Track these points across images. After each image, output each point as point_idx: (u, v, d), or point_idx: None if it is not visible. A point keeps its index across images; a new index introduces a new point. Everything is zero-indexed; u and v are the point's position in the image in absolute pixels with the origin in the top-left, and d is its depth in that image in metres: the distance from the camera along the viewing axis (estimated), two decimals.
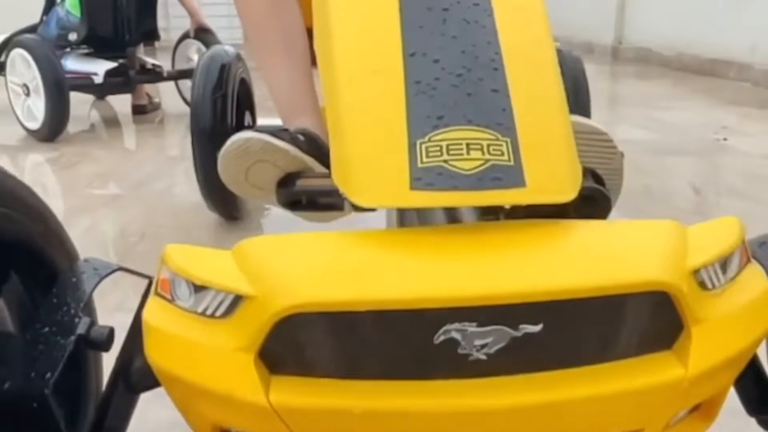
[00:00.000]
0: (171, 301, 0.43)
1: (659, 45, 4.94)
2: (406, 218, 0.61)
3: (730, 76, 3.99)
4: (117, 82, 2.56)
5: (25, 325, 0.56)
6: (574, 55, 1.46)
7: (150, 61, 2.73)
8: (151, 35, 2.69)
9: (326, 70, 0.51)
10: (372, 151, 0.43)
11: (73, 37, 2.46)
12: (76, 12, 2.48)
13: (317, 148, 1.02)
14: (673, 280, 0.39)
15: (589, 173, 0.64)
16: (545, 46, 0.50)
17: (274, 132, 0.99)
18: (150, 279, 0.64)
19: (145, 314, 0.44)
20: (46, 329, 0.53)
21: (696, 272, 0.41)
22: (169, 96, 3.10)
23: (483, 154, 0.42)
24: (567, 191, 0.42)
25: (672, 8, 4.82)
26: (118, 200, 1.72)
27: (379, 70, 0.47)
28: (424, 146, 0.42)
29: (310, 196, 0.93)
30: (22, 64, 2.33)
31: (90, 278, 0.59)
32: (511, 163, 0.42)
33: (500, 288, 0.36)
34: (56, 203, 1.71)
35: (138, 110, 2.96)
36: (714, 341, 0.41)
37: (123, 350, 0.56)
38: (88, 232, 1.49)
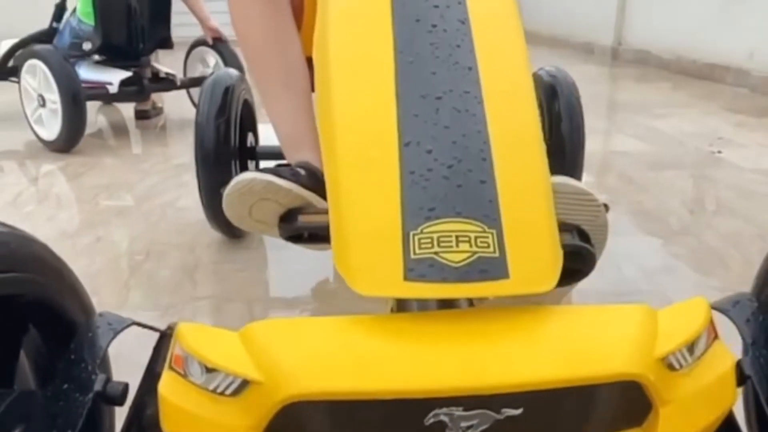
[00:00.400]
0: (184, 376, 0.47)
1: (658, 48, 4.97)
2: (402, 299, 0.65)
3: (728, 81, 4.02)
4: (131, 91, 2.58)
5: (45, 381, 0.59)
6: (569, 80, 1.49)
7: (164, 69, 2.74)
8: (164, 43, 2.71)
9: (328, 152, 0.54)
10: (369, 241, 0.47)
11: (87, 46, 2.47)
12: (90, 21, 2.49)
13: (318, 183, 1.05)
14: (642, 371, 0.42)
15: (576, 231, 0.68)
16: (532, 132, 0.53)
17: (277, 171, 1.03)
18: (161, 333, 0.68)
19: (161, 388, 0.48)
20: (66, 386, 0.57)
21: (664, 357, 0.45)
22: (170, 100, 3.13)
23: (470, 246, 0.46)
24: (547, 282, 0.46)
25: (671, 12, 4.84)
26: (123, 215, 1.76)
27: (376, 158, 0.51)
28: (417, 238, 0.46)
29: (312, 231, 0.97)
30: (38, 75, 2.34)
31: (105, 333, 0.63)
32: (497, 255, 0.46)
33: (484, 381, 0.40)
34: (63, 216, 1.75)
35: (141, 115, 3.00)
36: (681, 419, 0.45)
37: (135, 403, 0.60)
38: (95, 250, 1.53)
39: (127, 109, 3.10)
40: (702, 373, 0.47)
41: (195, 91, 2.96)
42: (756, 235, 1.60)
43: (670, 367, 0.46)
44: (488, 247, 0.46)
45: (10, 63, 2.95)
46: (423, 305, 0.50)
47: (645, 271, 1.39)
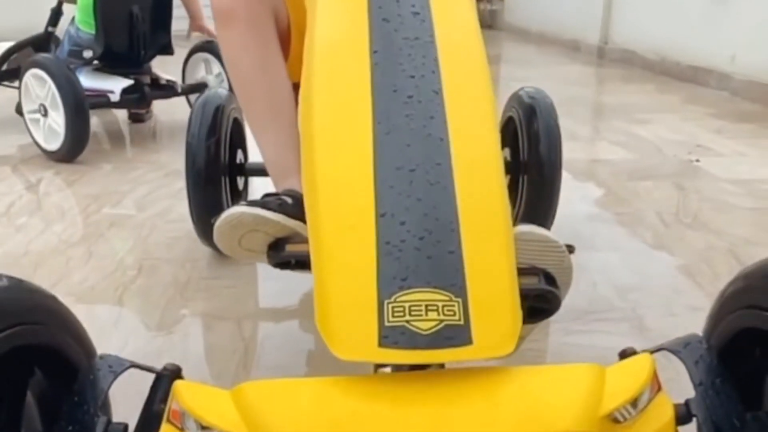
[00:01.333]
0: (181, 430, 0.52)
1: (643, 48, 5.03)
2: None
3: (710, 84, 4.10)
4: (132, 99, 2.58)
5: (51, 423, 0.64)
6: (548, 101, 1.55)
7: (164, 76, 2.76)
8: (165, 49, 2.71)
9: (312, 217, 0.59)
10: (348, 309, 0.52)
11: (88, 54, 2.47)
12: (89, 29, 2.50)
13: (303, 211, 1.10)
14: (588, 428, 0.48)
15: (542, 274, 0.73)
16: (498, 201, 0.59)
17: (264, 203, 1.08)
18: (157, 373, 0.73)
19: None
20: (70, 428, 0.62)
21: (610, 413, 0.51)
22: (162, 104, 3.15)
23: (438, 314, 0.51)
24: (506, 347, 0.52)
25: (656, 14, 4.90)
26: (115, 226, 1.80)
27: (355, 227, 0.56)
28: (390, 306, 0.51)
29: (298, 259, 1.03)
30: (38, 85, 2.34)
31: (105, 375, 0.68)
32: (461, 322, 0.51)
33: None
34: (56, 229, 1.79)
35: (136, 118, 3.03)
36: None
37: None
38: (88, 265, 1.57)
39: (120, 111, 3.12)
40: (644, 425, 0.53)
41: (193, 97, 3.01)
42: (727, 250, 1.66)
43: (615, 420, 0.52)
44: (454, 315, 0.51)
45: (4, 67, 2.96)
46: (397, 366, 0.56)
47: (619, 289, 1.45)
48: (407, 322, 0.51)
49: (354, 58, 0.67)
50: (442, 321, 0.51)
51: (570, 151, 2.58)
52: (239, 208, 1.06)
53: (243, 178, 1.63)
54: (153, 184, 2.18)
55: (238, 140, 1.59)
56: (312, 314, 0.91)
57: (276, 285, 1.47)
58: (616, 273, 1.53)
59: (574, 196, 2.05)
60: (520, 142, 1.55)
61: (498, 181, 0.60)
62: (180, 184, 2.15)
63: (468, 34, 0.72)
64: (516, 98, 1.61)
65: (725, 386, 0.65)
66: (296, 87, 1.26)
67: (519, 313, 0.55)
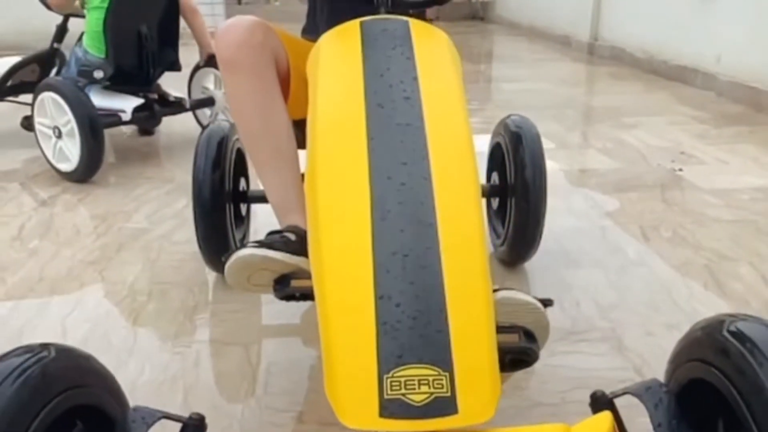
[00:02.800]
0: None
1: (632, 46, 5.11)
2: None
3: (696, 84, 4.19)
4: (143, 117, 2.65)
5: None
6: (533, 131, 1.63)
7: (173, 93, 2.82)
8: (172, 66, 2.77)
9: (320, 300, 0.69)
10: (353, 383, 0.62)
11: (99, 74, 2.52)
12: (98, 53, 2.56)
13: (306, 246, 1.19)
14: None
15: (522, 332, 0.83)
16: (481, 280, 0.68)
17: (270, 243, 1.17)
18: (184, 422, 0.82)
19: None
20: None
21: None
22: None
23: (429, 388, 0.60)
24: (487, 413, 0.61)
25: (644, 13, 4.97)
26: (123, 249, 1.88)
27: (357, 308, 0.65)
28: (389, 380, 0.61)
29: (302, 292, 1.13)
30: (54, 108, 2.40)
31: (139, 426, 0.77)
32: (448, 394, 0.61)
33: None
34: (66, 253, 1.87)
35: (144, 131, 3.10)
36: None
37: None
38: (101, 290, 1.66)
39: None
40: None
41: (202, 115, 3.09)
42: (703, 266, 1.76)
43: None
44: (442, 388, 0.61)
45: (9, 82, 3.02)
46: None
47: (601, 308, 1.55)
48: (403, 395, 0.60)
49: (353, 144, 0.76)
50: (432, 394, 0.60)
51: (560, 161, 2.69)
52: (247, 251, 1.16)
53: (246, 205, 1.72)
54: (157, 203, 2.26)
55: (240, 169, 1.68)
56: (314, 339, 1.00)
57: (278, 309, 1.56)
58: (598, 291, 1.63)
59: (562, 209, 2.15)
60: (507, 168, 1.64)
61: (480, 260, 0.69)
62: (182, 203, 2.24)
63: (454, 117, 0.81)
64: (503, 126, 1.70)
65: (681, 427, 0.75)
66: (296, 124, 1.35)
67: (498, 382, 0.64)
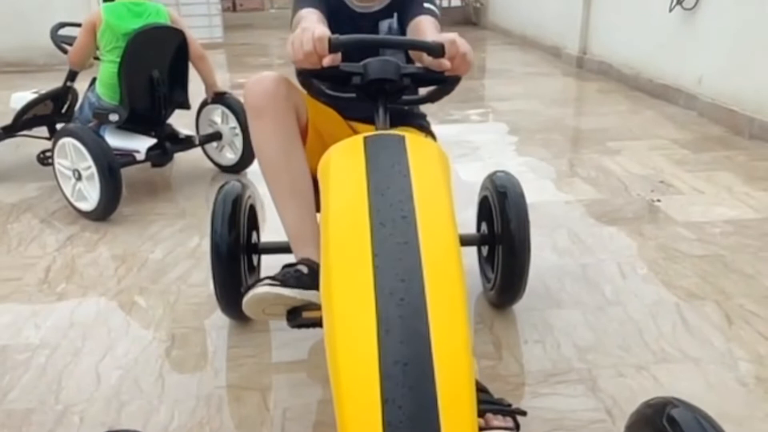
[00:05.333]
0: None
1: (619, 62, 5.29)
2: None
3: (679, 103, 4.36)
4: (156, 155, 2.82)
5: None
6: (518, 190, 1.79)
7: (183, 131, 2.99)
8: (182, 105, 2.94)
9: (337, 404, 0.86)
10: None
11: (114, 118, 2.68)
12: (112, 100, 2.72)
13: (317, 279, 1.35)
14: None
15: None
16: (466, 388, 0.85)
17: (284, 280, 1.36)
18: None
19: None
20: None
21: None
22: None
23: None
24: None
25: (630, 30, 5.14)
26: (144, 294, 2.05)
27: (366, 409, 0.82)
28: None
29: (313, 322, 1.34)
30: (75, 153, 2.56)
31: None
32: None
33: None
34: (92, 297, 2.04)
35: (156, 164, 3.25)
36: None
37: None
38: (128, 336, 1.83)
39: None
40: None
41: (210, 149, 3.26)
42: (672, 303, 1.94)
43: None
44: None
45: (24, 117, 3.17)
46: None
47: (579, 349, 1.73)
48: None
49: (361, 262, 0.93)
50: None
51: (547, 193, 2.87)
52: (263, 289, 1.36)
53: (257, 256, 1.89)
54: (171, 242, 2.43)
55: (253, 223, 1.84)
56: (325, 382, 1.16)
57: (291, 352, 1.74)
58: (577, 332, 1.81)
59: (547, 246, 2.33)
60: (494, 219, 1.81)
61: (467, 373, 0.86)
62: (195, 241, 2.42)
63: (444, 234, 0.98)
64: (490, 181, 1.86)
65: None
66: (314, 178, 1.52)
67: None
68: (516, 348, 1.74)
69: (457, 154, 3.41)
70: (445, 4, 10.70)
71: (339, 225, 1.01)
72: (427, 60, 1.23)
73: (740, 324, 1.83)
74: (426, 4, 1.58)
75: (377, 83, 1.20)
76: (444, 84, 1.28)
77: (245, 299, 1.41)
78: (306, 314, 1.42)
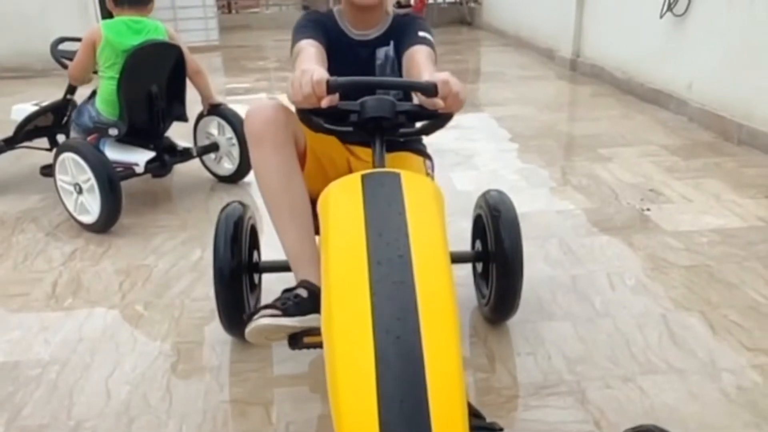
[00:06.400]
0: None
1: (611, 66, 5.36)
2: None
3: (670, 108, 4.44)
4: (154, 167, 2.89)
5: None
6: (512, 213, 1.84)
7: (181, 143, 3.06)
8: (180, 118, 3.01)
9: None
10: None
11: (113, 132, 2.76)
12: (110, 116, 2.78)
13: (317, 302, 1.41)
14: None
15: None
16: (459, 416, 0.92)
17: (285, 308, 1.43)
18: None
19: None
20: None
21: None
22: None
23: None
24: None
25: (622, 34, 5.21)
26: (149, 309, 2.12)
27: None
28: None
29: (314, 345, 1.40)
30: (75, 167, 2.63)
31: None
32: None
33: None
34: (99, 312, 2.10)
35: (156, 174, 3.31)
36: None
37: None
38: (135, 351, 1.89)
39: None
40: None
41: (208, 159, 3.33)
42: (659, 315, 2.02)
43: None
44: None
45: (26, 128, 3.23)
46: None
47: (568, 360, 1.80)
48: None
49: (359, 301, 1.00)
50: None
51: (540, 201, 2.94)
52: (264, 320, 1.43)
53: (258, 275, 1.95)
54: (174, 255, 2.50)
55: (253, 243, 1.91)
56: (327, 397, 1.24)
57: (293, 366, 1.80)
58: (567, 344, 1.88)
59: (539, 257, 2.40)
60: (488, 238, 1.87)
61: (460, 407, 0.93)
62: (197, 254, 2.48)
63: (439, 274, 1.05)
64: (484, 200, 1.93)
65: None
66: (313, 201, 1.59)
67: None
68: (509, 360, 1.82)
69: (452, 162, 3.48)
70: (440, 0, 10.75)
71: (339, 265, 1.08)
72: (421, 97, 1.29)
73: (724, 335, 1.91)
74: (421, 33, 1.64)
75: (374, 121, 1.26)
76: (437, 119, 1.35)
77: (248, 329, 1.47)
78: (307, 339, 1.49)
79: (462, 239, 2.11)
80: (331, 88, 1.20)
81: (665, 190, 3.04)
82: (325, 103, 1.21)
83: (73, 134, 2.98)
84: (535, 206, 2.87)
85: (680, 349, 1.85)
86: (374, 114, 1.25)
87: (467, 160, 3.58)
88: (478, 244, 1.98)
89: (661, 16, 4.43)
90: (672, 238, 2.54)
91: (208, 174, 3.36)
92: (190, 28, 7.84)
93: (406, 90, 1.36)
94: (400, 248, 1.06)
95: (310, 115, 1.31)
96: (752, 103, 3.64)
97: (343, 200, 1.19)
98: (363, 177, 1.20)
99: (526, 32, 7.51)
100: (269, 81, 6.34)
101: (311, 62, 1.41)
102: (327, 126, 1.34)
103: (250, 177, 3.15)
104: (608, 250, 2.47)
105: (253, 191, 3.11)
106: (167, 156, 2.96)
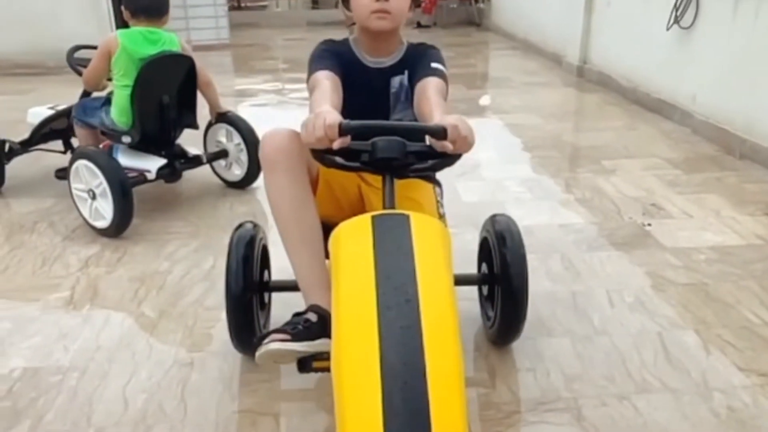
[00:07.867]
0: None
1: (618, 74, 5.40)
2: None
3: (675, 119, 4.49)
4: (165, 174, 2.98)
5: None
6: (517, 238, 1.87)
7: (192, 150, 3.15)
8: (190, 126, 3.10)
9: None
10: None
11: (126, 140, 2.86)
12: (124, 125, 2.87)
13: (326, 326, 1.48)
14: None
15: None
16: None
17: (295, 333, 1.50)
18: None
19: None
20: None
21: None
22: None
23: None
24: None
25: (628, 43, 5.25)
26: (163, 317, 2.20)
27: None
28: None
29: (322, 369, 1.47)
30: (89, 174, 2.72)
31: None
32: None
33: None
34: (116, 319, 2.18)
35: (168, 180, 3.39)
36: None
37: None
38: (150, 359, 1.97)
39: None
40: None
41: (218, 166, 3.42)
42: (656, 333, 2.09)
43: None
44: None
45: (44, 129, 3.32)
46: None
47: (566, 378, 1.87)
48: None
49: (369, 345, 1.06)
50: None
51: (542, 215, 3.01)
52: (274, 345, 1.49)
53: (268, 294, 2.02)
54: (186, 263, 2.58)
55: (265, 262, 1.97)
56: (330, 409, 1.30)
57: (302, 378, 1.87)
58: (565, 361, 1.95)
59: (541, 272, 2.47)
60: (493, 260, 1.93)
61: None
62: (209, 263, 2.56)
63: (445, 318, 1.12)
64: (490, 223, 1.98)
65: None
66: (323, 224, 1.66)
67: None
68: (509, 376, 1.89)
69: (458, 173, 3.54)
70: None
71: (348, 309, 1.15)
72: (431, 139, 1.36)
73: (717, 354, 1.97)
74: (434, 64, 1.70)
75: (384, 161, 1.33)
76: (445, 159, 1.41)
77: (258, 353, 1.53)
78: (316, 364, 1.56)
79: (467, 251, 2.16)
80: (343, 132, 1.27)
81: (666, 205, 3.11)
82: (336, 145, 1.27)
83: (76, 128, 3.10)
84: (539, 219, 2.93)
85: (675, 368, 1.92)
86: (385, 155, 1.32)
87: (473, 170, 3.64)
88: (484, 267, 2.04)
89: (668, 28, 4.48)
90: (671, 255, 2.61)
91: (217, 180, 3.44)
92: (201, 27, 7.92)
93: (417, 134, 1.43)
94: (408, 293, 1.12)
95: (323, 155, 1.37)
96: (755, 117, 3.69)
97: (354, 241, 1.26)
98: (373, 218, 1.27)
99: (534, 36, 7.55)
100: (281, 82, 6.41)
101: (326, 100, 1.47)
102: (339, 163, 1.40)
103: (259, 182, 3.22)
104: (608, 266, 2.53)
105: (260, 196, 3.19)
106: (178, 163, 3.05)
